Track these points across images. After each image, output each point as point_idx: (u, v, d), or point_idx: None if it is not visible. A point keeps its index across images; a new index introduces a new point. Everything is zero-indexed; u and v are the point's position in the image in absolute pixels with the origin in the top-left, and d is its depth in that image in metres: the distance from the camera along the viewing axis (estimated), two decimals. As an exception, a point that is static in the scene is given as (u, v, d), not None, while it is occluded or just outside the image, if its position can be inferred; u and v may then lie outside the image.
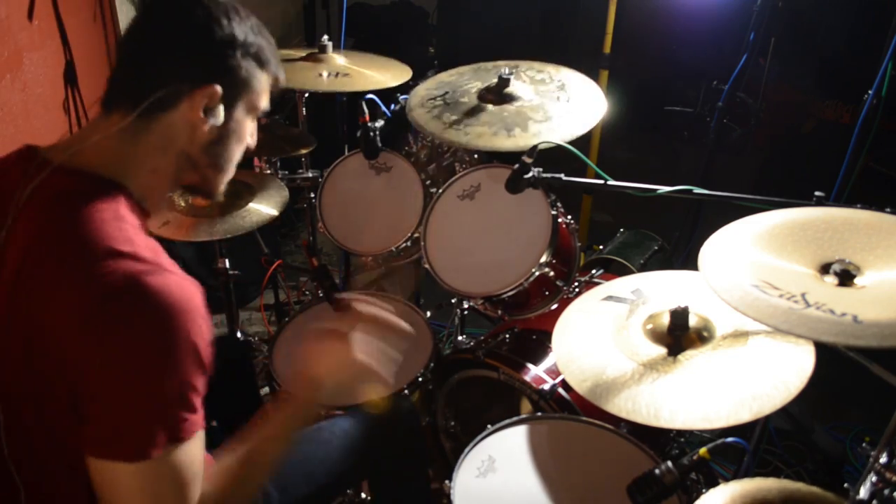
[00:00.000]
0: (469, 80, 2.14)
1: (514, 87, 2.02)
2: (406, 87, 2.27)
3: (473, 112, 1.99)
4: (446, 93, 2.09)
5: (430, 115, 1.99)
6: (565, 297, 1.91)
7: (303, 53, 2.40)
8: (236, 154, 1.17)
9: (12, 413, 1.00)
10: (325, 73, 2.31)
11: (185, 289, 0.94)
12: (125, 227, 0.98)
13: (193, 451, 0.96)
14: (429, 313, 2.07)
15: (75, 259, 0.93)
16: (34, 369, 0.95)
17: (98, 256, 0.92)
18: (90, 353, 0.90)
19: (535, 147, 1.67)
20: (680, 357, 1.33)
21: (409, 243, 2.13)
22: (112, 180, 1.02)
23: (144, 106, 1.03)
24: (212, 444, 1.70)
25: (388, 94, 2.26)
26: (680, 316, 1.36)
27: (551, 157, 1.68)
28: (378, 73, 2.35)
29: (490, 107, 1.99)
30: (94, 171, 1.01)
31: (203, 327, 0.95)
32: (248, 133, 1.18)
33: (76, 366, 0.91)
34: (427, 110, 2.02)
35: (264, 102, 1.17)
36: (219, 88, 1.06)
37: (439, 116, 1.98)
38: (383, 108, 2.20)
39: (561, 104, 1.98)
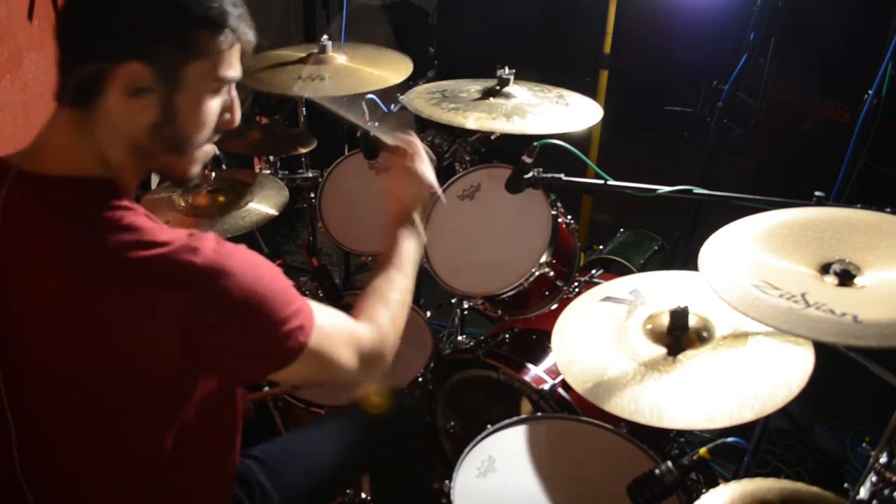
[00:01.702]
0: (468, 84, 2.15)
1: (513, 88, 2.03)
2: (406, 88, 2.27)
3: (473, 103, 2.00)
4: (445, 90, 2.10)
5: (429, 104, 2.00)
6: (565, 297, 1.91)
7: (302, 53, 2.40)
8: (196, 135, 1.02)
9: (31, 432, 0.98)
10: (304, 76, 2.27)
11: (225, 243, 0.98)
12: (142, 217, 0.96)
13: (323, 319, 1.06)
14: (429, 313, 2.07)
15: (125, 266, 0.91)
16: (92, 387, 0.95)
17: (146, 254, 0.91)
18: (192, 325, 0.92)
19: (535, 147, 1.67)
20: (680, 357, 1.33)
21: (409, 243, 2.13)
22: (96, 178, 0.97)
23: (69, 95, 0.94)
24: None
25: (388, 94, 2.25)
26: (680, 316, 1.36)
27: (551, 157, 1.68)
28: (377, 70, 2.34)
29: (490, 99, 2.01)
30: (74, 175, 0.96)
31: (257, 254, 1.01)
32: (214, 109, 1.02)
33: (181, 349, 0.92)
34: (426, 100, 2.03)
35: (229, 70, 0.99)
36: (141, 65, 0.92)
37: (438, 104, 1.99)
38: (383, 107, 2.20)
39: (559, 106, 1.99)
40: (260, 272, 0.99)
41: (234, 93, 1.07)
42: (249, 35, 1.02)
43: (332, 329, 1.09)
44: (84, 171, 0.96)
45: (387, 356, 1.20)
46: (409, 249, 1.35)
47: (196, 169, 1.08)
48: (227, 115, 1.07)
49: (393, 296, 1.25)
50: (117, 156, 0.98)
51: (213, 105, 1.02)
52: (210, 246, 0.95)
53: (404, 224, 1.38)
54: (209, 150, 1.08)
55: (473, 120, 1.89)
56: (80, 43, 0.95)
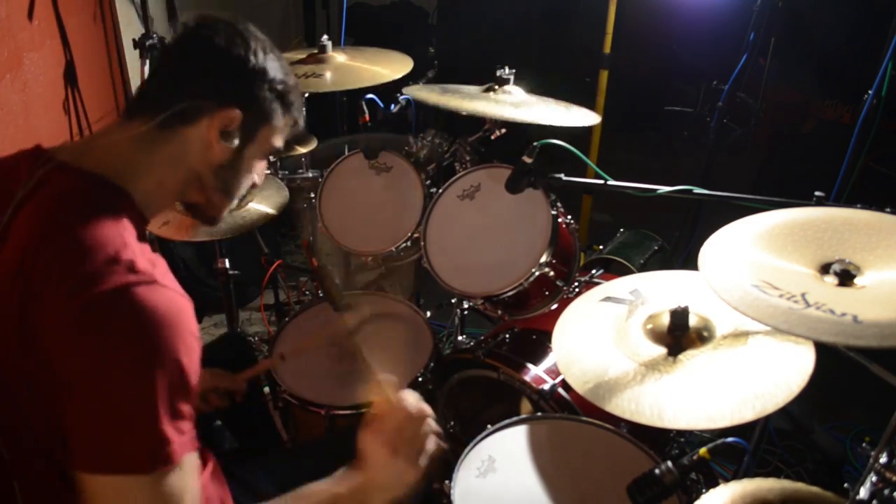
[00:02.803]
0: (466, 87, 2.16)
1: (513, 88, 2.03)
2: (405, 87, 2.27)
3: (477, 96, 2.02)
4: (444, 89, 2.10)
5: (433, 94, 2.01)
6: (565, 297, 1.91)
7: (303, 55, 2.40)
8: (244, 185, 1.19)
9: (10, 426, 0.99)
10: (296, 74, 2.28)
11: (175, 303, 0.91)
12: (125, 234, 0.96)
13: (181, 481, 0.90)
14: (429, 313, 2.07)
15: (70, 260, 0.91)
16: (28, 372, 0.93)
17: (93, 260, 0.90)
18: (73, 358, 0.87)
19: (535, 147, 1.67)
20: (680, 357, 1.33)
21: (409, 243, 2.13)
22: (117, 185, 1.02)
23: (166, 115, 1.04)
24: (215, 443, 1.71)
25: (388, 94, 2.26)
26: (680, 316, 1.36)
27: (551, 157, 1.69)
28: (377, 67, 2.35)
29: (492, 94, 2.02)
30: (100, 174, 1.01)
31: (191, 345, 0.91)
32: (261, 167, 1.21)
33: (62, 371, 0.88)
34: (428, 92, 2.03)
35: (279, 142, 1.19)
36: (239, 113, 1.08)
37: (442, 95, 2.00)
38: (383, 107, 2.20)
39: (560, 105, 2.00)
40: (179, 354, 0.88)
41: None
42: (301, 123, 1.23)
43: (194, 482, 0.92)
44: (111, 176, 1.02)
45: None
46: None
47: (224, 214, 1.22)
48: (257, 178, 1.23)
49: None
50: (168, 177, 1.08)
51: (261, 165, 1.21)
52: (157, 291, 0.89)
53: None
54: (234, 203, 1.23)
55: (482, 107, 1.89)
56: (196, 76, 1.08)
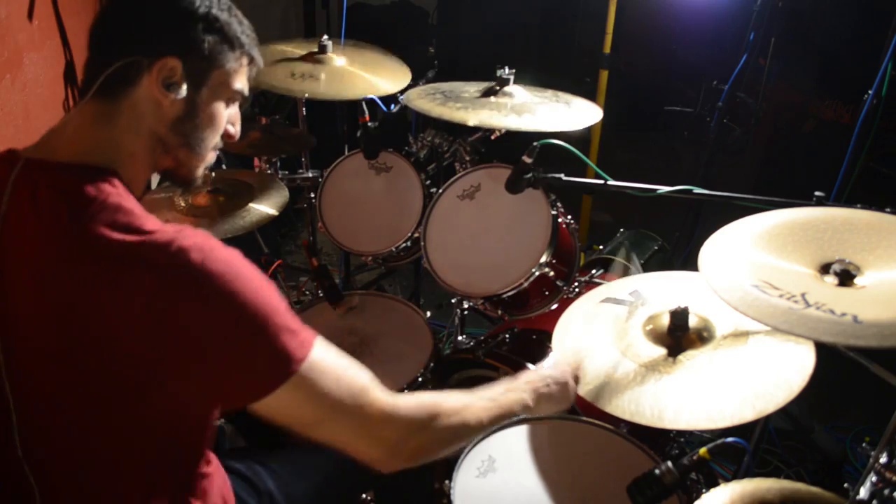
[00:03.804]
0: (466, 86, 2.16)
1: (514, 88, 2.03)
2: (405, 88, 2.27)
3: (479, 101, 2.00)
4: (444, 91, 2.10)
5: (435, 103, 2.00)
6: (565, 297, 1.91)
7: (302, 51, 2.40)
8: (210, 136, 1.13)
9: (30, 412, 0.99)
10: (294, 74, 2.27)
11: (217, 242, 0.96)
12: (136, 206, 0.97)
13: (327, 354, 1.00)
14: (429, 313, 2.07)
15: (111, 248, 0.91)
16: (81, 370, 0.94)
17: (132, 238, 0.91)
18: (179, 326, 0.90)
19: (535, 147, 1.67)
20: (681, 357, 1.33)
21: (409, 243, 2.13)
22: (102, 167, 1.00)
23: (101, 81, 1.00)
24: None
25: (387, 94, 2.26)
26: (680, 316, 1.36)
27: (551, 157, 1.69)
28: (374, 76, 2.35)
29: (493, 98, 2.01)
30: (81, 161, 0.99)
31: (250, 264, 0.98)
32: (224, 117, 1.13)
33: (164, 348, 0.91)
34: (429, 100, 2.03)
35: (239, 84, 1.13)
36: (178, 61, 1.03)
37: (444, 104, 1.99)
38: (383, 107, 2.20)
39: (560, 104, 2.00)
40: (249, 279, 0.94)
41: (237, 108, 1.17)
42: (259, 60, 1.16)
43: (334, 365, 1.01)
44: (92, 160, 1.00)
45: (403, 438, 1.06)
46: (513, 406, 1.25)
47: (201, 171, 1.16)
48: (231, 128, 1.16)
49: (471, 416, 1.16)
50: (134, 146, 1.05)
51: (225, 112, 1.13)
52: (198, 240, 0.93)
53: (534, 395, 1.29)
54: (212, 156, 1.17)
55: (486, 117, 1.88)
56: (121, 36, 1.03)
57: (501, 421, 1.23)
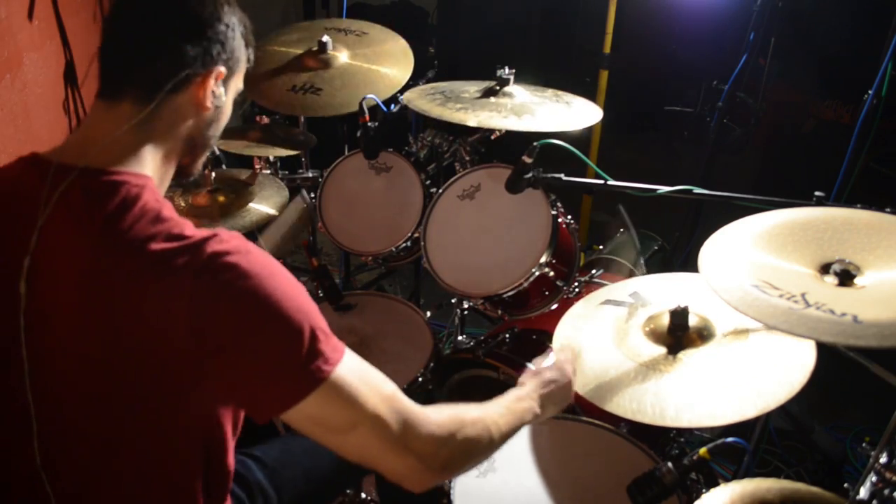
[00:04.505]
0: (466, 85, 2.15)
1: (514, 88, 2.03)
2: (405, 88, 2.27)
3: (478, 102, 2.00)
4: (444, 91, 2.10)
5: (434, 104, 2.00)
6: (565, 297, 1.91)
7: (300, 50, 2.39)
8: (220, 132, 1.18)
9: (53, 421, 0.99)
10: (296, 87, 2.27)
11: (253, 246, 0.98)
12: (174, 214, 0.99)
13: (356, 361, 1.00)
14: (429, 313, 2.07)
15: (156, 260, 0.92)
16: (118, 372, 0.95)
17: (174, 250, 0.92)
18: (216, 331, 0.91)
19: (535, 147, 1.67)
20: (681, 356, 1.33)
21: (409, 243, 2.13)
22: (141, 174, 1.01)
23: (161, 96, 1.02)
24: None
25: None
26: (680, 316, 1.36)
27: (551, 157, 1.69)
28: (379, 67, 2.34)
29: (492, 99, 2.01)
30: (118, 169, 0.99)
31: (284, 269, 0.99)
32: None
33: (201, 353, 0.91)
34: (429, 101, 2.02)
35: (241, 83, 1.18)
36: (224, 70, 1.07)
37: (444, 104, 1.99)
38: (383, 107, 2.20)
39: (560, 104, 2.00)
40: (284, 281, 0.96)
41: None
42: (252, 59, 1.18)
43: (365, 371, 1.01)
44: (128, 166, 1.01)
45: (434, 451, 1.03)
46: (525, 415, 1.24)
47: (201, 165, 1.19)
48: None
49: (492, 424, 1.15)
50: (168, 149, 1.07)
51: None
52: (234, 243, 0.95)
53: (541, 402, 1.28)
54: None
55: (486, 119, 1.88)
56: (175, 50, 1.03)
57: (516, 431, 1.20)
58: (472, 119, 1.87)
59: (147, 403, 0.96)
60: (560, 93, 2.13)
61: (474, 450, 1.11)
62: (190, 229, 0.96)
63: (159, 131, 1.05)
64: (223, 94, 1.10)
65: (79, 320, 0.95)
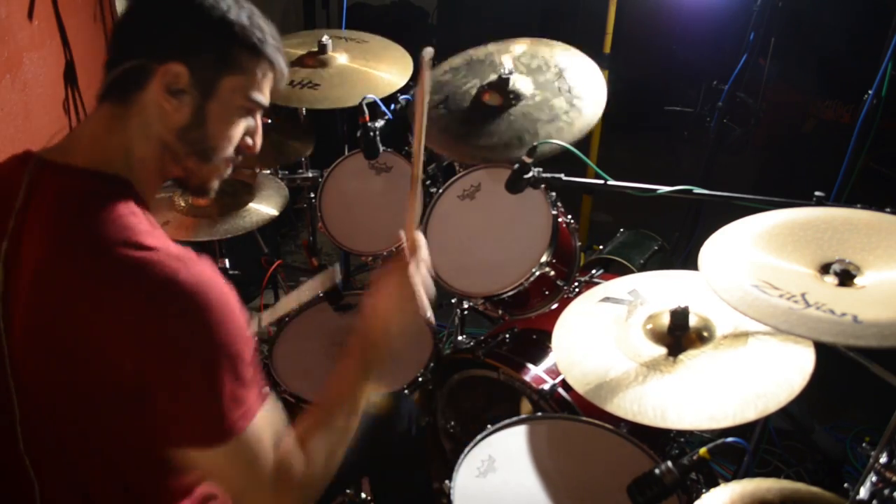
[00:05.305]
0: (465, 76, 2.10)
1: (515, 83, 2.00)
2: (406, 88, 2.27)
3: (479, 119, 1.95)
4: (446, 97, 2.07)
5: (438, 129, 1.96)
6: (565, 297, 1.91)
7: (302, 51, 2.39)
8: (222, 147, 1.07)
9: (32, 408, 0.99)
10: (294, 82, 2.26)
11: (214, 274, 0.95)
12: (142, 221, 0.97)
13: (268, 419, 0.99)
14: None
15: (110, 264, 0.92)
16: (69, 371, 0.95)
17: (133, 258, 0.91)
18: (148, 354, 0.90)
19: (535, 147, 1.67)
20: (681, 357, 1.33)
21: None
22: (115, 175, 1.00)
23: (109, 83, 1.00)
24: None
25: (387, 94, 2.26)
26: (680, 316, 1.36)
27: (551, 157, 1.69)
28: (376, 71, 2.34)
29: (493, 104, 1.98)
30: (95, 168, 0.99)
31: (237, 305, 0.96)
32: (240, 128, 1.08)
33: (135, 369, 0.90)
34: (433, 123, 2.00)
35: (257, 94, 1.07)
36: (182, 68, 0.99)
37: (447, 129, 1.96)
38: (383, 108, 2.20)
39: (563, 96, 1.96)
40: (236, 327, 0.93)
41: (260, 120, 1.13)
42: (284, 69, 1.10)
43: (268, 434, 0.99)
44: (105, 167, 1.00)
45: (304, 496, 1.06)
46: (365, 395, 1.15)
47: (215, 182, 1.13)
48: (249, 140, 1.11)
49: (338, 426, 1.12)
50: (144, 153, 1.03)
51: (240, 123, 1.08)
52: (194, 272, 0.92)
53: (374, 361, 1.16)
54: (228, 168, 1.13)
55: (488, 151, 1.86)
56: (131, 39, 1.02)
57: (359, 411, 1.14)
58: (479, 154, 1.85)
59: (99, 402, 0.96)
60: (555, 49, 2.08)
61: (335, 464, 1.11)
62: (154, 240, 0.94)
63: (132, 131, 1.02)
64: (190, 95, 1.01)
65: (35, 313, 0.95)
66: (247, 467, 0.97)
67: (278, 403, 1.05)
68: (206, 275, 0.94)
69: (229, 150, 1.09)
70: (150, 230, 0.96)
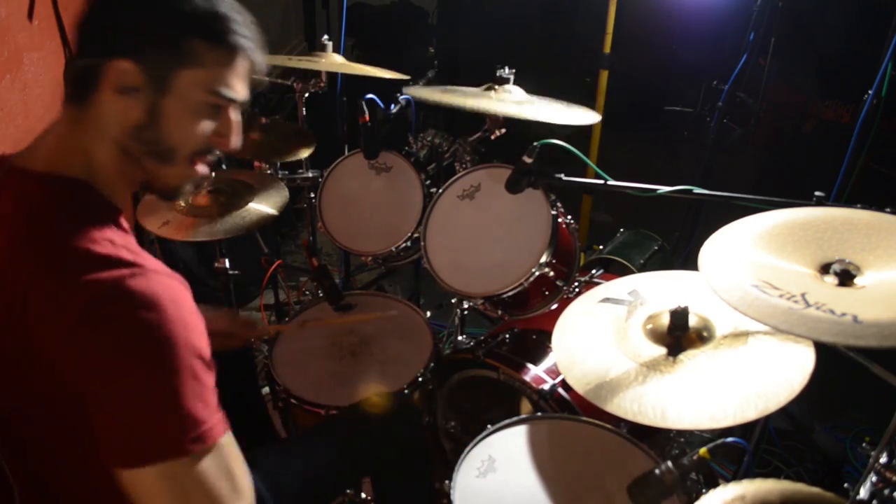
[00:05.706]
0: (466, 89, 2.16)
1: (513, 88, 2.04)
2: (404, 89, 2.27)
3: (477, 94, 2.01)
4: (444, 89, 2.10)
5: (434, 93, 2.00)
6: (565, 297, 1.91)
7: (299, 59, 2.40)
8: (182, 145, 1.01)
9: (5, 415, 0.99)
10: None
11: (170, 287, 0.90)
12: (101, 229, 0.93)
13: (221, 459, 0.91)
14: (429, 313, 2.07)
15: (56, 266, 0.89)
16: (29, 376, 0.94)
17: (78, 262, 0.89)
18: (84, 361, 0.87)
19: (535, 147, 1.66)
20: (681, 357, 1.33)
21: (409, 243, 2.13)
22: (74, 178, 0.97)
23: (67, 84, 0.97)
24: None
25: (388, 94, 2.26)
26: (680, 316, 1.36)
27: (551, 157, 1.68)
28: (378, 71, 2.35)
29: (493, 93, 2.02)
30: (55, 172, 0.97)
31: (194, 322, 0.90)
32: (202, 124, 1.01)
33: (74, 375, 0.88)
34: (429, 91, 2.04)
35: (224, 86, 0.99)
36: (129, 64, 0.94)
37: (443, 94, 1.99)
38: (383, 108, 2.20)
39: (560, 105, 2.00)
40: (182, 344, 0.87)
41: (236, 116, 1.05)
42: (256, 57, 1.02)
43: (226, 467, 0.92)
44: (64, 170, 0.97)
45: None
46: None
47: (181, 184, 1.06)
48: (221, 138, 1.05)
49: None
50: (103, 156, 0.99)
51: (204, 118, 1.01)
52: (152, 278, 0.88)
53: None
54: (202, 170, 1.06)
55: (495, 103, 1.88)
56: (85, 38, 0.98)
57: None
58: (472, 103, 1.87)
59: (50, 409, 0.95)
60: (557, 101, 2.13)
61: None
62: (110, 248, 0.91)
63: (90, 134, 0.98)
64: (141, 93, 0.96)
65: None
66: (180, 498, 0.89)
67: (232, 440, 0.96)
68: (159, 285, 0.89)
69: (192, 148, 1.02)
70: (106, 238, 0.92)
